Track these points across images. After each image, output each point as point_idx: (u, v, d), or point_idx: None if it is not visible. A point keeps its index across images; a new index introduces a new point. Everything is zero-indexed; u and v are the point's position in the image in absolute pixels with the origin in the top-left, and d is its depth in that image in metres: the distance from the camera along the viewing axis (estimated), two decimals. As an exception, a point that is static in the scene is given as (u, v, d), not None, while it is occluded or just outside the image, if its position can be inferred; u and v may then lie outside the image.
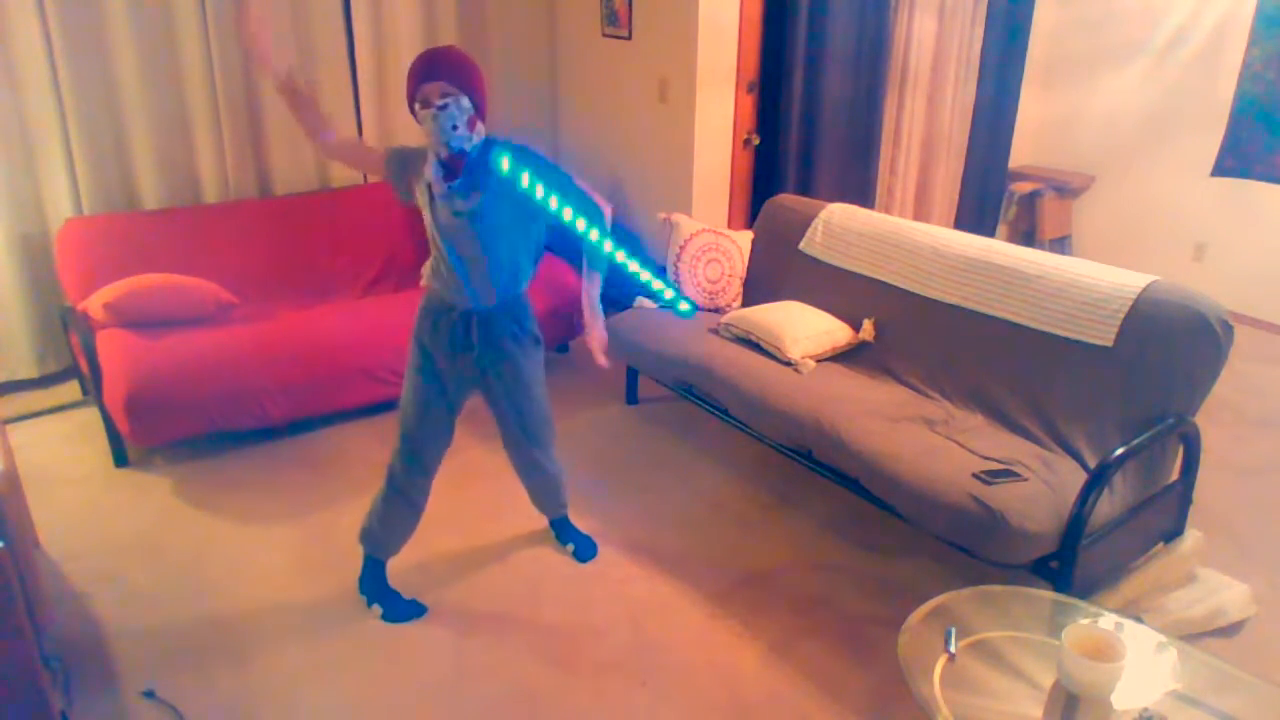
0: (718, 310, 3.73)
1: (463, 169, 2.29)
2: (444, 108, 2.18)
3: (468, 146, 2.25)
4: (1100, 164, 5.63)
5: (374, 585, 2.66)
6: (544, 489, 2.83)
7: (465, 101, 2.20)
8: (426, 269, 2.50)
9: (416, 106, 2.21)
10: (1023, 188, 5.62)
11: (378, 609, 2.63)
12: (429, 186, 2.34)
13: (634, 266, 2.41)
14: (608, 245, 2.37)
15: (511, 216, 2.33)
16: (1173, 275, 2.85)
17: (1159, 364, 2.61)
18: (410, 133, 4.60)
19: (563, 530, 2.96)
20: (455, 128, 2.20)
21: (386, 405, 3.78)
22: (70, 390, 3.94)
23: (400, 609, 2.63)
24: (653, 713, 2.31)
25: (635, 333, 3.54)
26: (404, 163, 2.41)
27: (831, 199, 3.83)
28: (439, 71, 2.19)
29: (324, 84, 4.28)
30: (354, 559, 2.87)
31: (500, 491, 3.24)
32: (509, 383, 2.53)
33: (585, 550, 2.91)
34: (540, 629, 2.60)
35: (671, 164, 4.39)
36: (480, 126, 2.28)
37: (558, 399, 3.98)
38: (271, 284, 4.00)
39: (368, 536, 2.63)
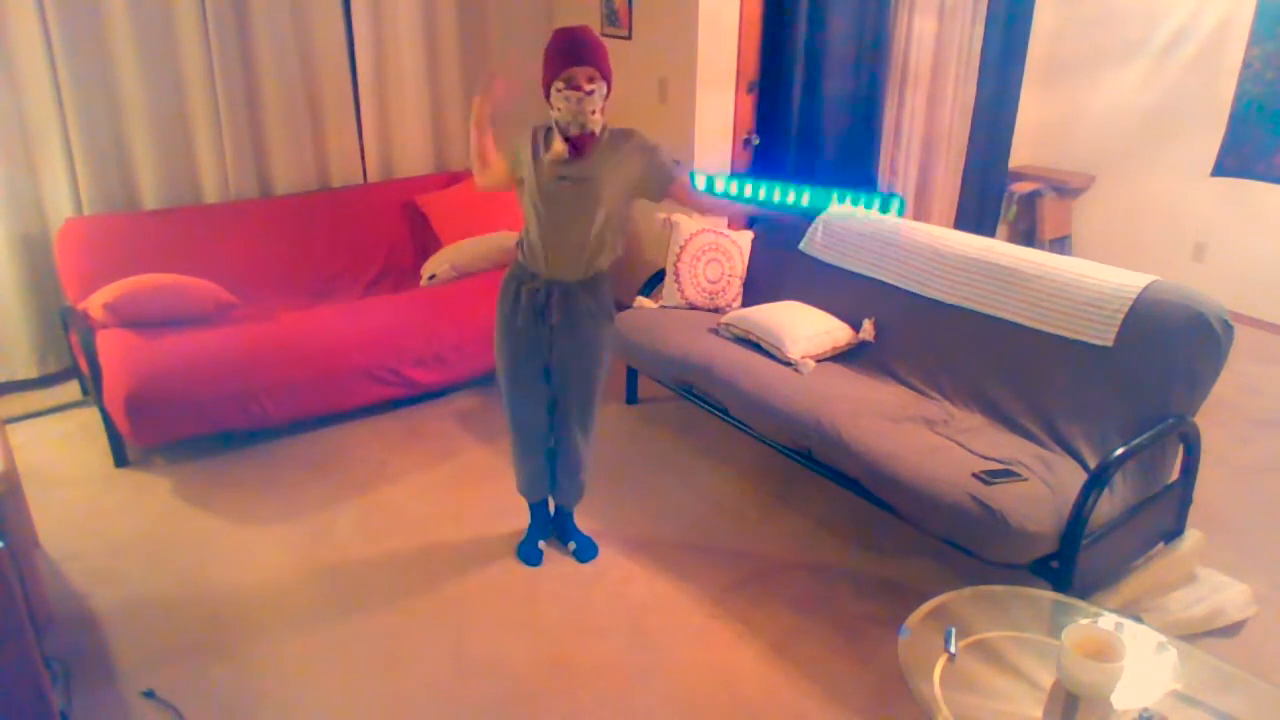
0: (718, 310, 3.73)
1: (589, 149, 2.40)
2: (591, 94, 2.31)
3: (598, 130, 2.39)
4: (1100, 164, 5.63)
5: (535, 525, 2.93)
6: (568, 467, 2.82)
7: (604, 88, 2.35)
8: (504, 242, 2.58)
9: (559, 85, 2.31)
10: (1023, 187, 5.62)
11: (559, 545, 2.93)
12: (535, 158, 2.44)
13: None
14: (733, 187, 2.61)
15: (612, 192, 2.44)
16: (1173, 275, 2.85)
17: (1159, 364, 2.61)
18: (406, 138, 4.61)
19: (564, 528, 2.97)
20: (594, 112, 2.34)
21: (386, 405, 3.79)
22: (70, 390, 3.94)
23: (530, 548, 2.89)
24: (653, 713, 2.31)
25: (635, 333, 3.54)
26: (521, 144, 2.51)
27: (831, 199, 3.84)
28: (590, 56, 2.31)
29: (324, 85, 4.28)
30: (353, 558, 2.87)
31: (501, 491, 3.23)
32: (575, 354, 2.60)
33: (586, 551, 2.91)
34: (540, 629, 2.60)
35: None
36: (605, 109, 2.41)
37: (558, 399, 4.00)
38: (271, 284, 4.00)
39: (520, 489, 2.88)
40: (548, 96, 2.39)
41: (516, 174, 2.53)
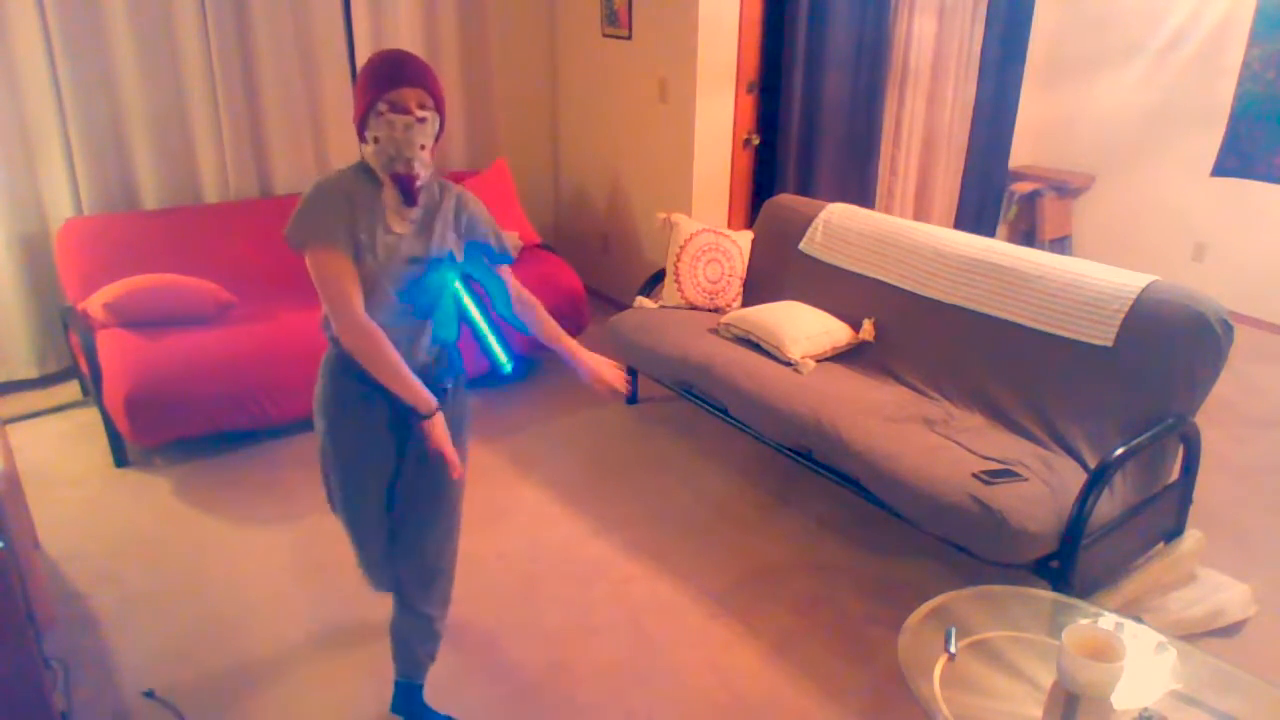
0: (718, 310, 3.73)
1: (416, 197, 1.91)
2: (423, 121, 1.84)
3: (424, 173, 1.89)
4: (1100, 164, 5.63)
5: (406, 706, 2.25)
6: (420, 601, 2.18)
7: (437, 121, 1.90)
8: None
9: (382, 108, 1.81)
10: (1023, 188, 5.62)
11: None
12: (372, 227, 1.91)
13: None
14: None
15: (455, 257, 2.02)
16: (1173, 275, 2.86)
17: (1159, 364, 2.61)
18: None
19: (412, 709, 2.25)
20: (424, 147, 1.87)
21: (386, 405, 3.78)
22: (70, 390, 3.94)
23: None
24: (653, 713, 2.31)
25: (635, 333, 3.54)
26: (336, 214, 1.91)
27: (831, 199, 3.84)
28: (420, 79, 1.85)
29: (324, 85, 4.29)
30: (353, 558, 2.87)
31: (498, 492, 3.24)
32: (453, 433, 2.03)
33: None
34: (540, 629, 2.60)
35: (671, 164, 4.39)
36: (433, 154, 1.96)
37: (559, 399, 4.01)
38: (271, 284, 3.99)
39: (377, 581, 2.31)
40: (362, 132, 1.86)
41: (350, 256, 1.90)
